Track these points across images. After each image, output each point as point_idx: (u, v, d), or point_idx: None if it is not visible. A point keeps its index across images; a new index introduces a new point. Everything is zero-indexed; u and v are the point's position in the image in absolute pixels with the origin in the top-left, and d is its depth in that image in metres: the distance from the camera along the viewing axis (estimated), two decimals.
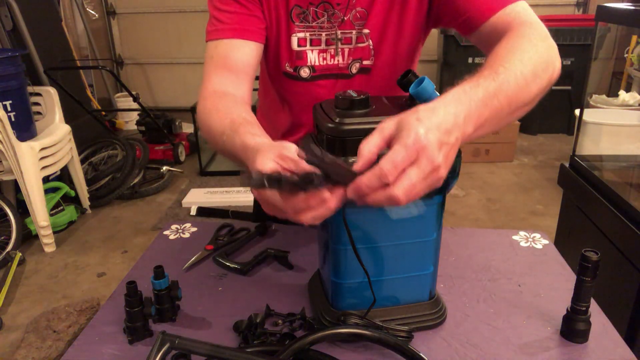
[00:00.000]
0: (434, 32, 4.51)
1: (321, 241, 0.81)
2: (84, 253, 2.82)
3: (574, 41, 4.05)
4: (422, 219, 0.73)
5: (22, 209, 2.81)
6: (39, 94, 3.03)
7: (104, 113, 4.48)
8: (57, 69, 3.46)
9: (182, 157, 4.12)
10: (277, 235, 1.09)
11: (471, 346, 0.75)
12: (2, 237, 2.68)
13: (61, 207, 3.01)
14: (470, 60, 4.17)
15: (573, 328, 0.75)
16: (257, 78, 1.08)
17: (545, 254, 1.00)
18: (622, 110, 3.59)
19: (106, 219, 3.23)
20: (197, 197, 3.40)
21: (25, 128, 2.80)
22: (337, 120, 0.66)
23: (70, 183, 3.17)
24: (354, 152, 0.55)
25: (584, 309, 0.74)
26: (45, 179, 2.91)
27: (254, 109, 0.94)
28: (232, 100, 0.85)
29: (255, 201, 1.26)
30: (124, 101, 4.81)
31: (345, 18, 0.92)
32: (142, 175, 3.65)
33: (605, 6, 1.73)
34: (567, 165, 1.93)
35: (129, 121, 4.84)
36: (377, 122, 0.58)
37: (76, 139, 3.14)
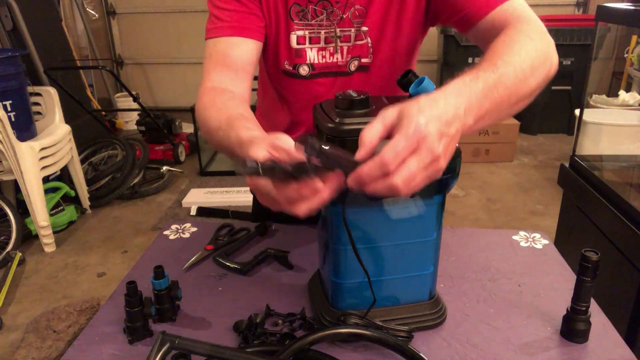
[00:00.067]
0: (434, 32, 4.52)
1: (321, 241, 0.81)
2: (84, 253, 2.82)
3: (574, 41, 4.05)
4: (422, 219, 0.73)
5: (22, 209, 2.81)
6: (39, 94, 3.03)
7: (104, 113, 4.48)
8: (57, 69, 3.46)
9: (182, 157, 4.12)
10: (277, 235, 1.09)
11: (471, 346, 0.75)
12: (2, 237, 2.68)
13: (61, 207, 3.01)
14: (470, 60, 4.17)
15: (573, 328, 0.75)
16: (255, 78, 1.09)
17: (545, 254, 1.00)
18: (622, 110, 3.59)
19: (106, 219, 3.23)
20: (197, 197, 3.40)
21: (25, 128, 2.80)
22: (337, 120, 0.66)
23: (70, 183, 3.17)
24: (354, 152, 0.55)
25: (584, 309, 0.74)
26: (45, 179, 2.91)
27: (253, 108, 0.94)
28: (230, 97, 0.85)
29: (254, 201, 1.26)
30: (124, 101, 4.81)
31: (344, 16, 0.92)
32: (142, 175, 3.65)
33: (605, 6, 1.73)
34: (567, 165, 1.93)
35: (129, 121, 4.84)
36: None
37: (76, 139, 3.14)
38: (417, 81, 0.69)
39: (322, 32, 0.94)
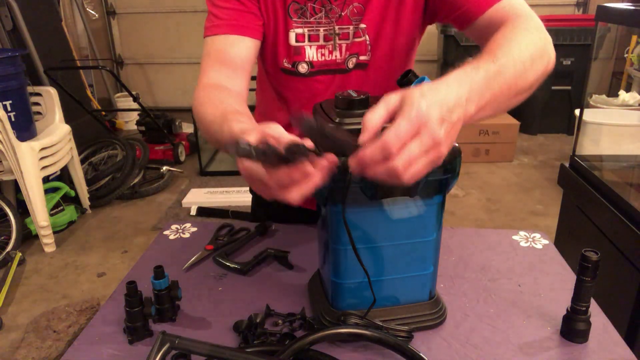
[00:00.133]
0: (434, 32, 4.52)
1: (321, 241, 0.81)
2: (84, 253, 2.82)
3: (574, 41, 4.05)
4: (422, 219, 0.73)
5: (22, 209, 2.81)
6: (39, 94, 3.03)
7: (104, 113, 4.48)
8: (57, 69, 3.46)
9: (182, 157, 4.13)
10: (277, 235, 1.09)
11: (471, 346, 0.75)
12: (2, 237, 2.68)
13: (61, 207, 3.01)
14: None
15: (573, 328, 0.75)
16: (254, 78, 1.09)
17: (545, 254, 1.00)
18: (622, 110, 3.59)
19: (106, 219, 3.23)
20: (197, 197, 3.41)
21: (25, 128, 2.80)
22: (337, 120, 0.66)
23: (70, 183, 3.18)
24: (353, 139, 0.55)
25: (584, 309, 0.74)
26: (45, 179, 2.91)
27: (252, 109, 0.94)
28: (226, 93, 0.86)
29: (254, 201, 1.26)
30: (124, 101, 4.81)
31: (343, 14, 0.93)
32: (142, 175, 3.65)
33: (605, 6, 1.73)
34: (567, 165, 1.93)
35: (129, 121, 4.84)
36: None
37: (76, 139, 3.14)
38: (417, 81, 0.70)
39: (321, 29, 0.94)
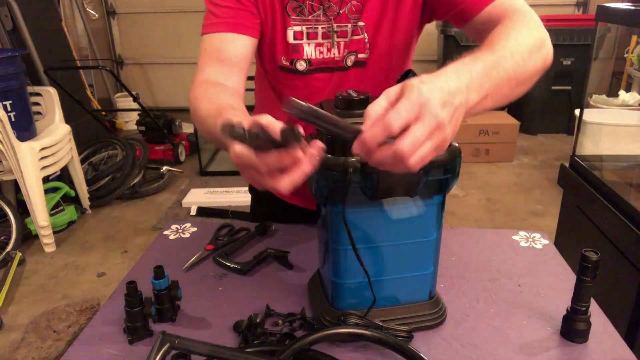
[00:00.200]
0: (434, 32, 4.52)
1: (321, 241, 0.81)
2: (84, 253, 2.82)
3: (574, 41, 4.05)
4: (422, 219, 0.73)
5: (22, 209, 2.81)
6: (39, 94, 3.03)
7: (104, 113, 4.48)
8: (57, 69, 3.46)
9: (182, 157, 4.13)
10: (277, 235, 1.09)
11: (471, 346, 0.75)
12: (2, 237, 2.68)
13: (61, 207, 3.01)
14: None
15: (573, 328, 0.75)
16: (251, 78, 1.08)
17: (545, 254, 1.00)
18: (622, 110, 3.59)
19: (106, 219, 3.23)
20: (197, 197, 3.41)
21: (25, 128, 2.81)
22: None
23: (70, 183, 3.18)
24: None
25: (584, 309, 0.74)
26: (45, 179, 2.91)
27: (250, 109, 0.94)
28: (221, 89, 0.86)
29: (253, 201, 1.26)
30: (124, 101, 4.81)
31: (341, 11, 0.93)
32: (142, 175, 3.65)
33: (605, 6, 1.73)
34: (567, 165, 1.93)
35: (129, 121, 4.84)
36: None
37: (76, 139, 3.14)
38: None
39: (320, 27, 0.94)
